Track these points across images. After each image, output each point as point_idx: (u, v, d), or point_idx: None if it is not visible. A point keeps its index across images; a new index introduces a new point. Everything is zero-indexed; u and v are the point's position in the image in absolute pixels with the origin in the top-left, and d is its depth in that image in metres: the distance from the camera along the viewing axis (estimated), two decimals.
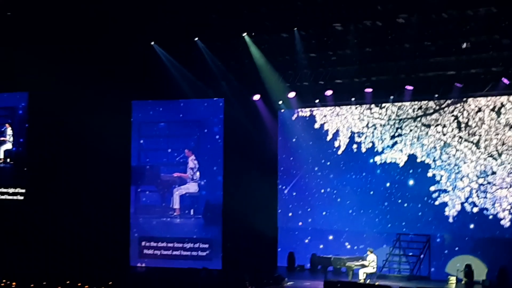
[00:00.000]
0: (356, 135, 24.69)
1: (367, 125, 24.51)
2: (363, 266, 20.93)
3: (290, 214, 25.89)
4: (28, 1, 22.80)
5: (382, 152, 24.13)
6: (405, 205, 23.65)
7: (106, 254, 24.00)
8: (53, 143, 24.88)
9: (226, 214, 24.40)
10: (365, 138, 24.49)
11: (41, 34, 23.21)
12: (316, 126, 25.43)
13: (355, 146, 24.71)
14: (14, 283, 19.89)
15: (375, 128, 24.34)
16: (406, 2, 20.28)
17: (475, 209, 22.31)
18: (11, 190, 26.09)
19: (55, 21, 22.94)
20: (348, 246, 24.47)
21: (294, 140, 25.96)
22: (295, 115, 25.92)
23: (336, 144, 25.05)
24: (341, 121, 25.00)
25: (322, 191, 25.30)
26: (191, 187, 25.09)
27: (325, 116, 25.32)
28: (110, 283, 19.69)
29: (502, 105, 21.98)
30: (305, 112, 25.68)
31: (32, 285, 19.34)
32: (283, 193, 26.10)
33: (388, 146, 24.06)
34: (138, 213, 25.55)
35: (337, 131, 25.05)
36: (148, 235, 25.21)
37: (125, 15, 22.24)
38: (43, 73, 23.37)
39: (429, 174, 23.19)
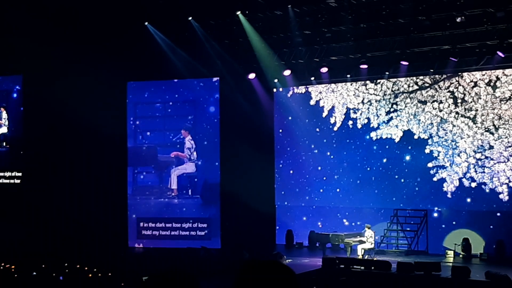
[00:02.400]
0: (351, 111, 24.68)
1: (362, 101, 24.49)
2: (361, 242, 21.02)
3: (287, 192, 25.94)
4: None
5: (377, 128, 24.15)
6: (402, 180, 23.71)
7: (104, 235, 24.00)
8: (49, 126, 24.75)
9: (223, 193, 24.40)
10: (361, 114, 24.49)
11: (34, 16, 23.02)
12: (312, 102, 25.42)
13: (350, 122, 24.71)
14: (13, 267, 19.87)
15: (370, 104, 24.33)
16: None
17: (473, 184, 22.38)
18: (7, 174, 26.04)
19: (49, 3, 22.74)
20: (346, 223, 24.55)
21: (290, 118, 25.94)
22: (291, 92, 25.89)
23: (332, 120, 25.05)
24: (337, 98, 24.98)
25: (319, 168, 25.33)
26: (189, 167, 25.05)
27: (320, 92, 25.29)
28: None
29: (498, 79, 21.98)
30: (301, 88, 25.67)
31: (30, 269, 19.31)
32: (280, 171, 26.13)
33: (383, 122, 24.07)
34: (135, 194, 25.55)
35: (333, 107, 25.03)
36: (146, 215, 25.22)
37: None
38: (37, 55, 23.21)
39: (427, 151, 23.24)
